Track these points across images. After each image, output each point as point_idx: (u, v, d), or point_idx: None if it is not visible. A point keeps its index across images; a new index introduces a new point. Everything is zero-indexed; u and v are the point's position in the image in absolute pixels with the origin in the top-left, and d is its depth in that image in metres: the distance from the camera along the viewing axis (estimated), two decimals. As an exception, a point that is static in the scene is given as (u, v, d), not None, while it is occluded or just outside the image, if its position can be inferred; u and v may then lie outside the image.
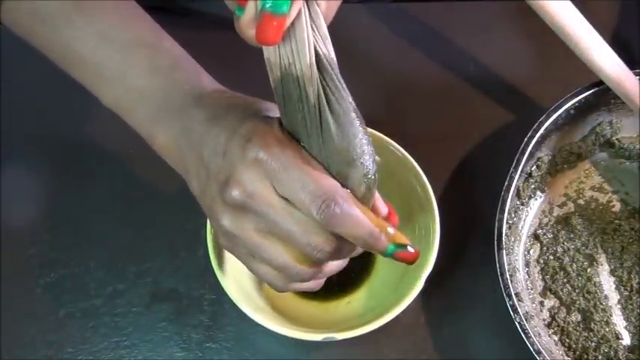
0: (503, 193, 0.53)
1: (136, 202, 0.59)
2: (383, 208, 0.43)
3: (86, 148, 0.61)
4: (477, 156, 0.61)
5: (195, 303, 0.55)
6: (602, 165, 0.60)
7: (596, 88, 0.56)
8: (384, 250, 0.40)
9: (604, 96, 0.56)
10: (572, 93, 0.56)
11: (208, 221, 0.50)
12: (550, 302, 0.55)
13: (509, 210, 0.53)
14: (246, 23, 0.35)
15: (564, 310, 0.55)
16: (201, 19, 0.67)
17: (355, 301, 0.54)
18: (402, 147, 0.53)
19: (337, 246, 0.39)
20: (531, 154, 0.55)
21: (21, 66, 0.63)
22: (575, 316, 0.54)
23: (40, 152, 0.61)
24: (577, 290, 0.55)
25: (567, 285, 0.55)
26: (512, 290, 0.50)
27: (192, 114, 0.42)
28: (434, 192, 0.52)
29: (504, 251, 0.51)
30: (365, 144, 0.39)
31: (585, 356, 0.53)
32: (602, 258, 0.57)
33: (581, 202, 0.59)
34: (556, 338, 0.54)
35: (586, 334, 0.54)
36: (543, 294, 0.56)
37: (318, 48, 0.36)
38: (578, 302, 0.55)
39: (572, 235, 0.57)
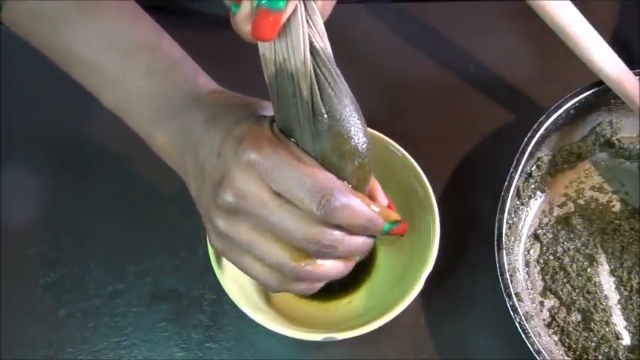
0: (503, 193, 0.53)
1: (135, 202, 0.59)
2: (383, 199, 0.43)
3: (86, 148, 0.61)
4: (477, 156, 0.61)
5: (195, 303, 0.55)
6: (602, 165, 0.60)
7: (596, 88, 0.56)
8: (381, 231, 0.41)
9: (604, 96, 0.56)
10: (572, 93, 0.56)
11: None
12: (550, 302, 0.55)
13: (509, 210, 0.53)
14: (242, 19, 0.35)
15: (564, 310, 0.55)
16: (201, 18, 0.67)
17: (355, 301, 0.54)
18: (402, 147, 0.53)
19: (332, 238, 0.39)
20: (531, 154, 0.55)
21: (21, 66, 0.63)
22: (575, 316, 0.54)
23: (40, 152, 0.61)
24: (577, 290, 0.55)
25: (567, 285, 0.55)
26: (512, 290, 0.50)
27: (190, 115, 0.42)
28: (434, 192, 0.52)
29: (504, 251, 0.51)
30: (361, 138, 0.39)
31: (585, 356, 0.53)
32: (602, 258, 0.57)
33: (581, 202, 0.59)
34: (556, 338, 0.54)
35: (586, 334, 0.54)
36: (543, 294, 0.56)
37: (315, 42, 0.36)
38: (578, 302, 0.55)
39: (572, 235, 0.57)
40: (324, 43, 0.37)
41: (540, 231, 0.58)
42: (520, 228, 0.57)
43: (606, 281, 0.56)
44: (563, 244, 0.57)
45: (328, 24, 0.38)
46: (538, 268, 0.57)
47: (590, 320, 0.54)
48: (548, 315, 0.55)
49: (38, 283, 0.56)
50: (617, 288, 0.56)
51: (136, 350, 0.54)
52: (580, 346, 0.53)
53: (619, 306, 0.55)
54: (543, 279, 0.56)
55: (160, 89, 0.44)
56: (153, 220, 0.58)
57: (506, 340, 0.53)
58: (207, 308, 0.55)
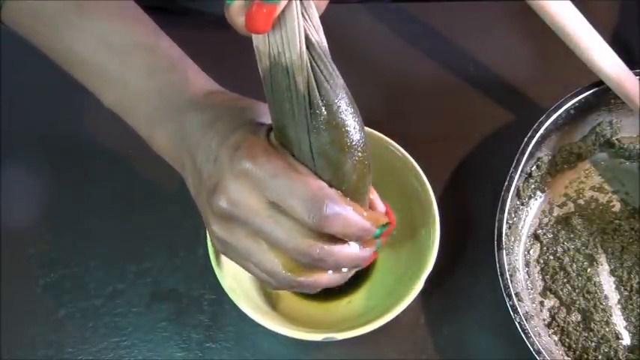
0: (503, 193, 0.53)
1: (135, 202, 0.59)
2: (381, 207, 0.43)
3: (86, 148, 0.61)
4: (476, 156, 0.61)
5: (195, 303, 0.55)
6: (602, 165, 0.60)
7: (596, 88, 0.56)
8: (373, 237, 0.41)
9: (604, 96, 0.56)
10: (572, 93, 0.56)
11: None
12: (550, 302, 0.55)
13: (509, 210, 0.53)
14: (236, 11, 0.35)
15: (564, 310, 0.55)
16: (201, 18, 0.67)
17: (355, 301, 0.54)
18: (402, 147, 0.53)
19: (323, 252, 0.39)
20: (531, 154, 0.55)
21: (21, 66, 0.63)
22: (575, 316, 0.54)
23: (40, 152, 0.61)
24: (577, 290, 0.55)
25: (567, 285, 0.55)
26: (512, 290, 0.50)
27: (189, 116, 0.42)
28: (434, 192, 0.52)
29: (504, 251, 0.51)
30: (358, 132, 0.38)
31: (585, 356, 0.53)
32: (602, 258, 0.57)
33: (581, 202, 0.59)
34: (556, 338, 0.54)
35: (586, 334, 0.54)
36: (543, 294, 0.56)
37: (310, 35, 0.36)
38: (578, 302, 0.55)
39: (572, 235, 0.57)
40: (319, 37, 0.37)
41: (540, 231, 0.58)
42: (520, 228, 0.57)
43: (606, 281, 0.56)
44: (563, 244, 0.57)
45: (328, 24, 0.38)
46: (538, 268, 0.57)
47: (590, 320, 0.54)
48: (548, 315, 0.55)
49: (38, 283, 0.56)
50: (617, 288, 0.56)
51: (136, 350, 0.54)
52: (580, 346, 0.53)
53: (619, 306, 0.55)
54: (543, 279, 0.56)
55: (158, 89, 0.44)
56: (153, 219, 0.58)
57: (506, 340, 0.53)
58: (207, 308, 0.55)
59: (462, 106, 0.63)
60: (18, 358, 0.54)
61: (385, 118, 0.55)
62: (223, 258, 0.50)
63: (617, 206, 0.59)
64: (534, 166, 0.57)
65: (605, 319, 0.54)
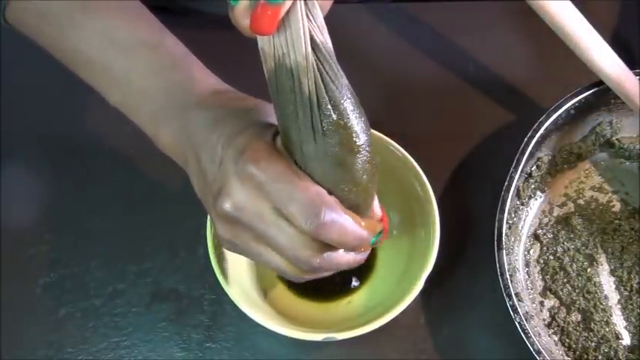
0: (503, 193, 0.53)
1: (136, 201, 0.59)
2: (377, 211, 0.43)
3: (86, 147, 0.61)
4: (476, 156, 0.61)
5: (195, 303, 0.55)
6: (602, 165, 0.60)
7: (596, 88, 0.56)
8: (368, 244, 0.41)
9: (604, 96, 0.56)
10: (572, 93, 0.56)
11: (208, 221, 0.50)
12: (550, 302, 0.55)
13: (509, 210, 0.53)
14: (241, 13, 0.35)
15: (564, 310, 0.55)
16: (201, 18, 0.67)
17: (355, 301, 0.54)
18: (402, 147, 0.53)
19: (322, 262, 0.40)
20: (531, 154, 0.55)
21: (21, 66, 0.63)
22: (575, 316, 0.54)
23: (40, 152, 0.61)
24: (577, 290, 0.55)
25: (567, 285, 0.55)
26: (512, 290, 0.50)
27: (194, 116, 0.42)
28: (434, 192, 0.52)
29: (504, 251, 0.51)
30: (365, 132, 0.38)
31: (585, 356, 0.53)
32: (602, 258, 0.57)
33: (581, 202, 0.59)
34: (556, 338, 0.54)
35: (586, 334, 0.54)
36: (543, 294, 0.56)
37: (315, 36, 0.36)
38: (578, 302, 0.55)
39: (572, 235, 0.57)
40: (324, 38, 0.37)
41: (540, 231, 0.58)
42: (520, 228, 0.57)
43: (606, 281, 0.56)
44: (563, 244, 0.57)
45: (328, 24, 0.38)
46: (538, 268, 0.57)
47: (590, 320, 0.54)
48: (548, 315, 0.55)
49: (38, 283, 0.56)
50: (617, 288, 0.56)
51: (136, 350, 0.54)
52: (580, 346, 0.53)
53: (619, 306, 0.55)
54: (543, 279, 0.56)
55: (163, 87, 0.44)
56: (153, 220, 0.58)
57: (507, 340, 0.53)
58: (207, 308, 0.55)
59: (462, 106, 0.63)
60: (18, 358, 0.54)
61: (385, 118, 0.55)
62: (223, 258, 0.50)
63: (617, 206, 0.59)
64: (534, 166, 0.57)
65: (605, 319, 0.54)
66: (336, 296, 0.55)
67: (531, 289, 0.56)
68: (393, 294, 0.51)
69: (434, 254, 0.50)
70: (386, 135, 0.53)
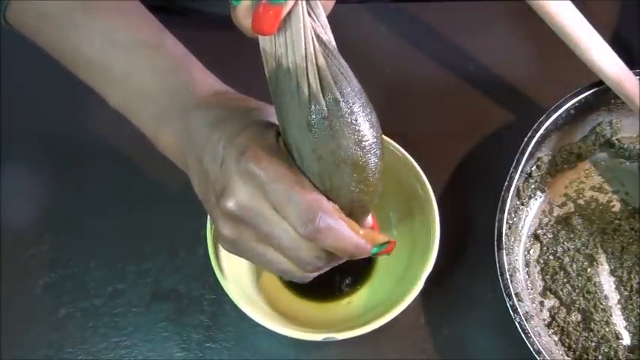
0: (503, 193, 0.53)
1: (135, 202, 0.59)
2: (368, 219, 0.43)
3: (86, 148, 0.61)
4: (476, 156, 0.61)
5: (195, 303, 0.55)
6: (602, 165, 0.60)
7: (596, 88, 0.56)
8: (369, 254, 0.41)
9: (604, 96, 0.56)
10: (572, 93, 0.56)
11: (208, 221, 0.50)
12: (550, 302, 0.55)
13: (509, 210, 0.53)
14: (243, 12, 0.35)
15: (564, 310, 0.55)
16: (200, 18, 0.67)
17: (355, 301, 0.54)
18: (402, 147, 0.53)
19: (326, 260, 0.40)
20: (531, 154, 0.55)
21: (21, 66, 0.63)
22: (575, 316, 0.54)
23: (40, 152, 0.61)
24: (577, 290, 0.55)
25: (567, 285, 0.55)
26: (512, 290, 0.50)
27: (195, 117, 0.42)
28: (434, 192, 0.52)
29: (504, 251, 0.51)
30: (376, 128, 0.38)
31: (585, 356, 0.53)
32: (602, 258, 0.57)
33: (581, 202, 0.59)
34: (556, 338, 0.54)
35: (586, 334, 0.54)
36: (543, 294, 0.56)
37: (320, 34, 0.36)
38: (578, 302, 0.55)
39: (572, 235, 0.57)
40: (328, 36, 0.37)
41: (540, 231, 0.58)
42: (520, 228, 0.57)
43: (606, 281, 0.56)
44: (563, 244, 0.57)
45: (328, 23, 0.38)
46: (538, 268, 0.57)
47: (590, 320, 0.54)
48: (548, 315, 0.55)
49: (38, 283, 0.56)
50: (617, 288, 0.56)
51: (136, 350, 0.54)
52: (580, 346, 0.53)
53: (619, 306, 0.55)
54: (543, 279, 0.56)
55: (164, 88, 0.44)
56: (153, 220, 0.58)
57: (507, 340, 0.53)
58: (207, 308, 0.55)
59: (461, 106, 0.63)
60: (18, 358, 0.54)
61: (385, 118, 0.55)
62: (223, 258, 0.50)
63: (617, 206, 0.59)
64: (534, 166, 0.57)
65: (605, 319, 0.54)
66: (336, 296, 0.55)
67: (531, 289, 0.56)
68: (393, 294, 0.51)
69: (434, 254, 0.50)
70: (386, 135, 0.53)
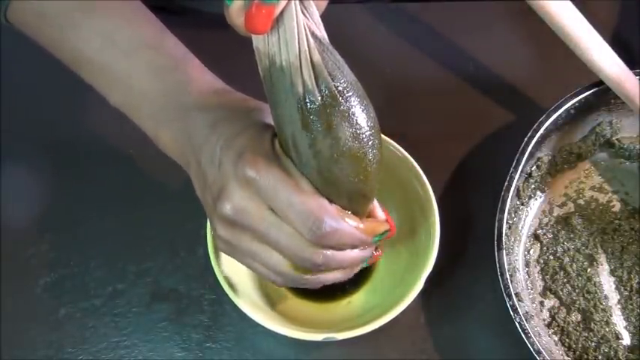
0: (503, 193, 0.53)
1: (135, 202, 0.59)
2: (381, 214, 0.43)
3: (86, 147, 0.61)
4: (476, 156, 0.61)
5: (195, 303, 0.55)
6: (602, 165, 0.60)
7: (596, 88, 0.56)
8: (372, 245, 0.42)
9: (604, 96, 0.56)
10: (572, 93, 0.56)
11: (208, 221, 0.50)
12: (550, 302, 0.55)
13: (509, 210, 0.53)
14: (236, 11, 0.35)
15: (564, 310, 0.55)
16: (199, 18, 0.67)
17: (355, 301, 0.54)
18: (402, 147, 0.53)
19: (324, 259, 0.40)
20: (531, 154, 0.55)
21: (21, 66, 0.63)
22: (575, 316, 0.54)
23: (40, 152, 0.61)
24: (577, 290, 0.55)
25: (567, 285, 0.55)
26: (512, 290, 0.50)
27: (194, 116, 0.42)
28: (434, 192, 0.52)
29: (504, 251, 0.51)
30: (373, 119, 0.38)
31: (585, 356, 0.53)
32: (602, 258, 0.57)
33: (581, 202, 0.59)
34: (556, 338, 0.54)
35: (586, 334, 0.54)
36: (543, 294, 0.56)
37: (314, 31, 0.36)
38: (578, 302, 0.55)
39: (572, 235, 0.57)
40: (322, 34, 0.37)
41: (540, 231, 0.58)
42: (520, 228, 0.57)
43: (606, 281, 0.56)
44: (563, 244, 0.57)
45: (328, 24, 0.38)
46: (538, 268, 0.57)
47: (590, 320, 0.54)
48: (548, 315, 0.55)
49: (38, 283, 0.56)
50: (617, 288, 0.56)
51: (136, 350, 0.54)
52: (580, 346, 0.53)
53: (619, 306, 0.55)
54: (543, 279, 0.56)
55: (163, 88, 0.44)
56: (153, 220, 0.58)
57: (507, 340, 0.53)
58: (207, 308, 0.55)
59: (461, 106, 0.63)
60: (18, 358, 0.54)
61: (385, 118, 0.55)
62: (223, 258, 0.50)
63: (617, 206, 0.59)
64: (534, 166, 0.57)
65: (605, 319, 0.54)
66: (336, 296, 0.55)
67: (531, 289, 0.56)
68: (393, 294, 0.51)
69: (434, 254, 0.50)
70: (386, 135, 0.53)
